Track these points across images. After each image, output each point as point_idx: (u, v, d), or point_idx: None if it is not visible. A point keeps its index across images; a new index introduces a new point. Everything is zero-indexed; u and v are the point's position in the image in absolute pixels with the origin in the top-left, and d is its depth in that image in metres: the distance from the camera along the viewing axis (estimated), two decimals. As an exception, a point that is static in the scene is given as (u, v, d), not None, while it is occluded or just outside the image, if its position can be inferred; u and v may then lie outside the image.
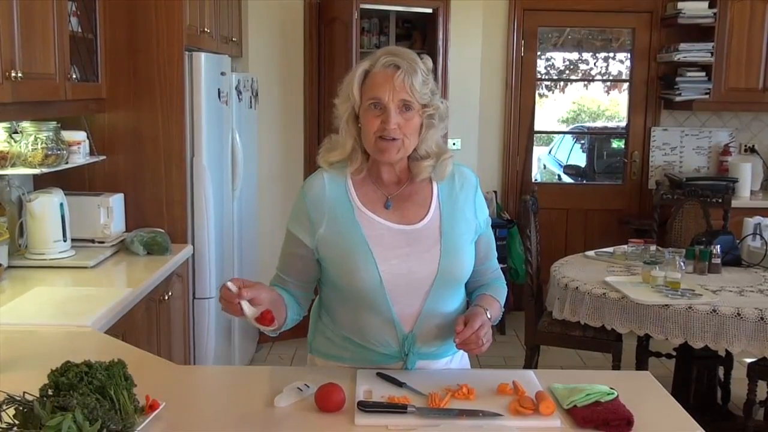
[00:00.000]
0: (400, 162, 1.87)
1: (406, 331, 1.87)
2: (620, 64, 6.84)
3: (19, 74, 2.42)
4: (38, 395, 1.47)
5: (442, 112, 1.85)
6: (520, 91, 5.88)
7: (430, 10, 5.55)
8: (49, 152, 2.98)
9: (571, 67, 7.28)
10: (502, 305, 2.00)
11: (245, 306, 1.62)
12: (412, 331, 1.87)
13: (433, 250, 1.85)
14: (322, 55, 5.20)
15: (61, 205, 3.12)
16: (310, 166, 5.11)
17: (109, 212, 3.30)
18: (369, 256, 1.81)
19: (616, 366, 3.69)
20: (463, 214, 1.92)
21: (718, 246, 3.69)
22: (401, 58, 1.78)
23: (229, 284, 1.62)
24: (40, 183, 3.33)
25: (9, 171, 2.93)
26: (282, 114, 5.21)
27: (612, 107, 8.24)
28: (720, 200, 4.52)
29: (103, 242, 3.29)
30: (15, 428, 1.40)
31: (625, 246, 4.13)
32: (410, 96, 1.77)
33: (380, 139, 1.79)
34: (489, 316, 1.85)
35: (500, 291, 2.02)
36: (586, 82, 7.45)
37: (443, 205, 1.90)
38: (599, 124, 8.71)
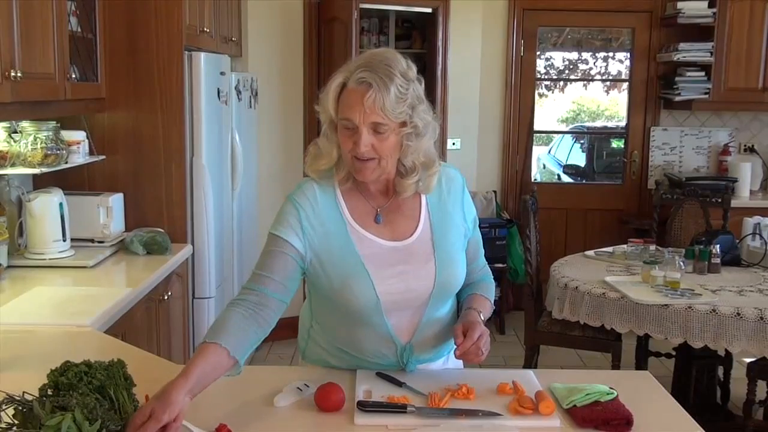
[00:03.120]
0: (385, 175, 1.78)
1: (404, 342, 1.85)
2: (620, 63, 6.84)
3: (19, 74, 2.42)
4: (38, 395, 1.47)
5: (422, 127, 1.73)
6: (520, 91, 5.88)
7: (429, 10, 5.56)
8: (49, 152, 2.98)
9: (571, 66, 7.28)
10: (492, 302, 2.00)
11: None
12: (409, 342, 1.86)
13: (428, 265, 1.81)
14: (321, 55, 5.21)
15: (61, 204, 3.12)
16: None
17: (109, 212, 3.30)
18: (366, 278, 1.76)
19: (616, 366, 3.69)
20: (453, 221, 1.88)
21: (718, 246, 3.68)
22: (374, 74, 1.65)
23: None
24: (40, 183, 3.33)
25: (8, 171, 2.93)
26: (281, 114, 5.21)
27: (611, 107, 8.24)
28: (719, 200, 4.52)
29: (102, 242, 3.29)
30: (14, 428, 1.40)
31: (625, 246, 4.12)
32: (382, 117, 1.66)
33: (355, 159, 1.72)
34: (482, 318, 1.85)
35: (489, 288, 2.01)
36: (585, 82, 7.45)
37: (433, 214, 1.86)
38: (599, 123, 8.71)
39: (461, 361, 2.04)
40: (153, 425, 1.42)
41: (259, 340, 1.73)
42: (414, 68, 1.76)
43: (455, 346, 1.76)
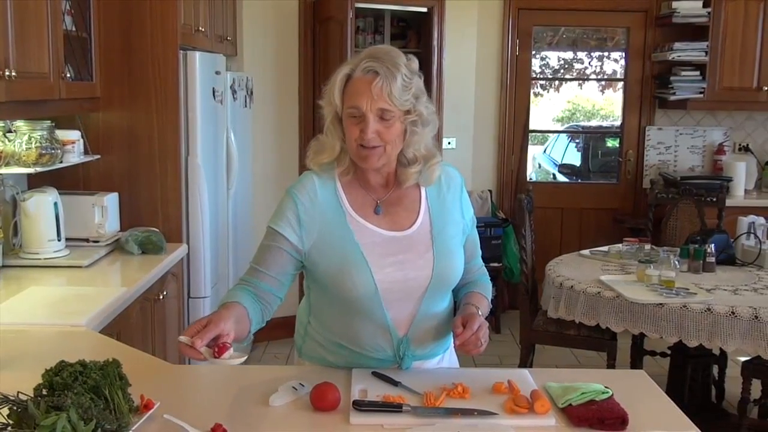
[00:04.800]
0: (387, 166, 1.83)
1: (401, 335, 1.87)
2: (615, 63, 6.85)
3: (13, 73, 2.42)
4: (32, 395, 1.46)
5: (426, 116, 1.79)
6: (515, 90, 5.89)
7: (425, 9, 5.56)
8: (44, 151, 2.97)
9: (566, 66, 7.28)
10: (490, 301, 2.02)
11: (204, 351, 1.52)
12: (406, 335, 1.87)
13: (426, 256, 1.84)
14: (317, 54, 5.20)
15: (56, 204, 3.11)
16: (305, 165, 5.11)
17: (104, 211, 3.30)
18: (364, 266, 1.78)
19: (611, 365, 3.70)
20: (452, 216, 1.91)
21: (713, 245, 3.70)
22: (381, 63, 1.72)
23: (182, 338, 1.52)
24: (35, 182, 3.32)
25: (3, 170, 2.93)
26: (277, 113, 5.21)
27: (607, 106, 8.24)
28: (714, 199, 4.53)
29: (97, 241, 3.28)
30: (9, 428, 1.40)
31: (620, 245, 4.13)
32: (389, 104, 1.72)
33: (361, 146, 1.76)
34: (481, 314, 1.86)
35: (487, 287, 2.04)
36: (580, 81, 7.44)
37: (432, 208, 1.89)
38: (594, 123, 8.71)
39: (456, 360, 2.06)
40: (213, 328, 1.53)
41: (259, 326, 1.79)
42: (416, 62, 1.81)
43: (454, 340, 1.78)
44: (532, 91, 6.18)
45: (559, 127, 8.45)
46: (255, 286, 1.80)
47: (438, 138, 5.46)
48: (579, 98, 8.61)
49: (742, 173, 5.57)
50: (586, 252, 4.11)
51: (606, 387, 1.74)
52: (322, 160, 1.86)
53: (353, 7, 4.76)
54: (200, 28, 3.84)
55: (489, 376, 1.84)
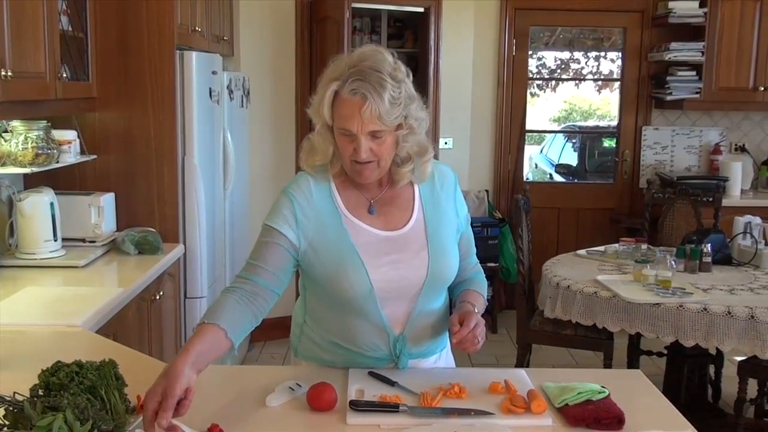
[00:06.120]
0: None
1: (397, 333, 1.87)
2: (611, 63, 6.86)
3: (9, 73, 2.41)
4: (29, 395, 1.46)
5: (417, 127, 1.78)
6: (512, 90, 5.89)
7: (421, 10, 5.56)
8: (40, 151, 2.96)
9: (563, 66, 7.30)
10: (485, 298, 2.02)
11: None
12: (402, 333, 1.87)
13: (421, 255, 1.84)
14: (313, 54, 5.20)
15: (52, 204, 3.10)
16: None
17: (100, 211, 3.29)
18: (360, 266, 1.79)
19: (608, 364, 3.70)
20: (446, 215, 1.91)
21: (709, 245, 3.70)
22: (366, 83, 1.68)
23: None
24: (31, 182, 3.31)
25: (-1, 170, 2.93)
26: (273, 113, 5.20)
27: (603, 106, 8.26)
28: (711, 199, 4.53)
29: (94, 242, 3.28)
30: (5, 429, 1.40)
31: (617, 245, 4.14)
32: (379, 126, 1.70)
33: (355, 162, 1.76)
34: (477, 312, 1.86)
35: (482, 284, 2.04)
36: (577, 81, 7.47)
37: (426, 206, 1.89)
38: (590, 123, 8.72)
39: (453, 359, 2.06)
40: (170, 402, 1.45)
41: (252, 327, 1.77)
42: (401, 66, 1.78)
43: (450, 338, 1.78)
44: (528, 91, 6.19)
45: (555, 127, 8.47)
46: (252, 283, 1.77)
47: (435, 138, 5.49)
48: (575, 98, 8.63)
49: (738, 173, 5.58)
50: (582, 252, 4.11)
51: (602, 387, 1.74)
52: (315, 162, 1.85)
53: (350, 7, 4.76)
54: (197, 28, 3.84)
55: (486, 376, 1.84)
